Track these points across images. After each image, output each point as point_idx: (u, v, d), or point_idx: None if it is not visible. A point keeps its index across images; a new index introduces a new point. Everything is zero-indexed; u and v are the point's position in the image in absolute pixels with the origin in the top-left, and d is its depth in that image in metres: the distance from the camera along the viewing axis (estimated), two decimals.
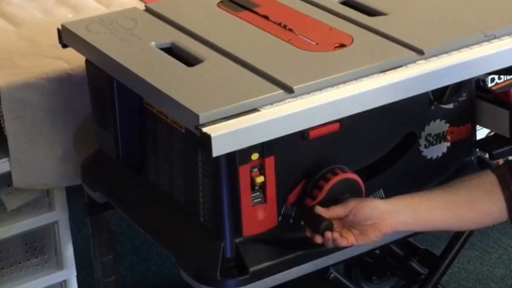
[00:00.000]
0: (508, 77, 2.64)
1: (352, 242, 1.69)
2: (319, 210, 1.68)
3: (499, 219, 1.76)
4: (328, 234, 1.66)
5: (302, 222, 1.74)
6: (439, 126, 1.91)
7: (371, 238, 1.70)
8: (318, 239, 1.67)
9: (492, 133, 2.05)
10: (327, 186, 1.72)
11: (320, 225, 1.68)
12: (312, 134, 1.70)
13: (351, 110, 1.68)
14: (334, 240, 1.67)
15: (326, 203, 1.73)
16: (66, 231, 2.16)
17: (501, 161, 2.57)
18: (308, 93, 1.65)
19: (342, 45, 1.79)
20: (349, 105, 1.67)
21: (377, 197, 1.85)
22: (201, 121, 1.56)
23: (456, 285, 2.58)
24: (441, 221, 1.76)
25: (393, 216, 1.70)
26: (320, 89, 1.66)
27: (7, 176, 2.02)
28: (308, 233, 1.69)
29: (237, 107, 1.59)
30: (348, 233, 1.69)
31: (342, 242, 1.68)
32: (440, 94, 1.88)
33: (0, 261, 2.11)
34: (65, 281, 2.21)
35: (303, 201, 1.75)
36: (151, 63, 1.76)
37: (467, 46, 1.79)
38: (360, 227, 1.69)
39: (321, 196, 1.72)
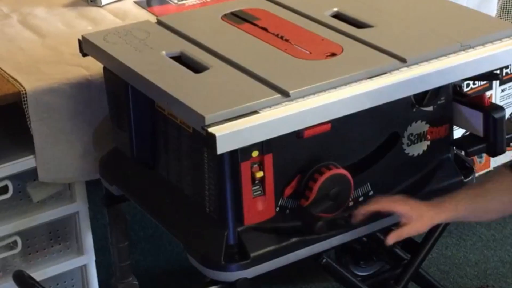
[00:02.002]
0: (482, 82, 2.64)
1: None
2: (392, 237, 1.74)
3: None
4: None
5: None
6: (420, 126, 1.91)
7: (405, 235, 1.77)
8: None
9: (468, 133, 2.05)
10: (316, 186, 1.73)
11: (315, 225, 1.69)
12: (306, 133, 1.70)
13: (341, 112, 1.68)
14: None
15: (319, 201, 1.73)
16: (85, 220, 2.16)
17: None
18: (303, 97, 1.65)
19: (333, 54, 1.79)
20: (340, 107, 1.67)
21: (364, 190, 1.85)
22: (207, 122, 1.56)
23: (435, 269, 2.58)
24: (471, 221, 1.83)
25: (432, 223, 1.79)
26: (314, 93, 1.66)
27: (33, 171, 2.02)
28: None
29: (239, 109, 1.59)
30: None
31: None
32: (421, 98, 1.88)
33: (27, 247, 2.11)
34: (85, 265, 2.21)
35: (298, 194, 1.75)
36: (162, 70, 1.76)
37: (445, 55, 1.79)
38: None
39: (312, 195, 1.73)
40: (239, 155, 1.65)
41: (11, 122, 2.05)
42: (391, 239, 1.75)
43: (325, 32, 1.91)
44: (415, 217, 1.75)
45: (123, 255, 2.26)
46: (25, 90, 1.94)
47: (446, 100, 1.93)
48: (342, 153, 1.80)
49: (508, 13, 2.59)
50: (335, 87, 1.68)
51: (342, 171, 1.76)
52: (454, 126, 2.00)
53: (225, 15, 2.01)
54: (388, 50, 1.79)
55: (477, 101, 1.94)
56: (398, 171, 1.90)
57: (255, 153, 1.66)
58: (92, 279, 2.23)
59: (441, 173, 1.94)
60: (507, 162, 1.82)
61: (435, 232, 2.01)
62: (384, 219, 1.86)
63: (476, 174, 2.08)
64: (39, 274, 2.07)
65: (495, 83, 2.73)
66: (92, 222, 2.19)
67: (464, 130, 2.11)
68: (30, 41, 2.19)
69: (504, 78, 2.75)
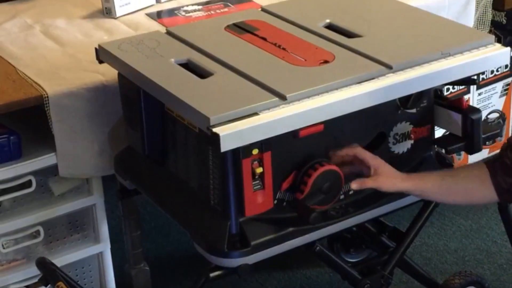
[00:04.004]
0: (461, 87, 2.64)
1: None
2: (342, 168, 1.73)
3: (492, 201, 1.79)
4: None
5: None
6: (404, 127, 1.91)
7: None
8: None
9: (447, 133, 2.05)
10: (310, 181, 1.72)
11: (310, 216, 1.68)
12: (302, 133, 1.70)
13: (333, 114, 1.68)
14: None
15: (313, 194, 1.73)
16: (102, 212, 2.16)
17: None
18: (299, 100, 1.64)
19: (326, 61, 1.79)
20: (332, 110, 1.67)
21: None
22: (211, 123, 1.56)
23: (418, 256, 2.58)
24: (439, 201, 1.85)
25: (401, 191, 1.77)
26: (308, 97, 1.66)
27: (54, 167, 2.02)
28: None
29: (241, 111, 1.59)
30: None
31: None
32: (405, 101, 1.88)
33: (48, 236, 2.11)
34: (101, 252, 2.21)
35: (294, 188, 1.75)
36: (171, 76, 1.76)
37: (427, 62, 1.79)
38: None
39: (307, 189, 1.72)
40: (241, 153, 1.65)
41: (34, 123, 2.05)
42: (355, 184, 1.74)
43: (318, 41, 1.90)
44: (383, 174, 1.74)
45: (136, 243, 2.27)
46: (47, 94, 1.94)
47: (428, 103, 1.93)
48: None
49: (484, 24, 2.59)
50: (327, 91, 1.68)
51: (334, 167, 1.76)
52: (436, 127, 2.00)
53: (228, 26, 2.01)
54: (375, 57, 1.79)
55: (456, 104, 1.94)
56: None
57: (255, 151, 1.66)
58: (107, 265, 2.23)
59: (423, 169, 1.94)
60: (488, 158, 1.81)
61: (418, 223, 2.01)
62: (372, 210, 1.87)
63: None
64: (59, 260, 2.07)
65: (473, 88, 2.73)
66: (108, 213, 2.19)
67: (444, 130, 2.11)
68: (52, 50, 2.19)
69: (481, 83, 2.75)
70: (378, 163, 1.76)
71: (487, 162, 1.79)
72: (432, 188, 1.77)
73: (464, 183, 1.77)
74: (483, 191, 1.75)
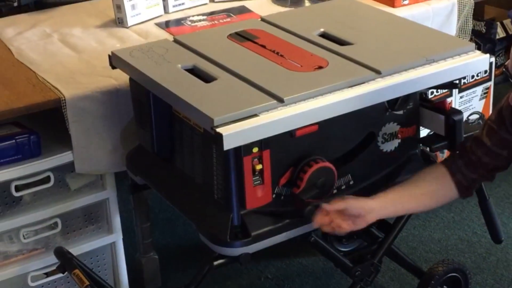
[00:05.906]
0: (444, 90, 2.64)
1: (346, 229, 1.70)
2: (325, 206, 1.68)
3: (454, 198, 1.78)
4: (329, 225, 1.68)
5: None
6: (392, 127, 1.91)
7: (359, 227, 1.71)
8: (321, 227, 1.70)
9: (432, 133, 2.06)
10: (306, 177, 1.73)
11: (305, 209, 1.69)
12: (298, 133, 1.70)
13: (327, 115, 1.69)
14: (334, 227, 1.69)
15: (308, 189, 1.73)
16: (114, 205, 2.16)
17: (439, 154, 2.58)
18: (295, 102, 1.65)
19: (320, 67, 1.79)
20: (325, 111, 1.67)
21: (346, 180, 1.85)
22: (215, 124, 1.56)
23: (405, 245, 2.58)
24: (412, 209, 1.80)
25: (378, 212, 1.72)
26: (304, 99, 1.66)
27: (71, 164, 2.02)
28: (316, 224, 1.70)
29: (242, 113, 1.59)
30: (344, 223, 1.69)
31: (341, 231, 1.70)
32: (393, 103, 1.88)
33: (66, 227, 2.11)
34: (114, 242, 2.21)
35: (290, 184, 1.75)
36: (178, 80, 1.77)
37: (413, 67, 1.80)
38: (352, 218, 1.69)
39: (303, 184, 1.72)
40: (242, 151, 1.65)
41: (52, 124, 2.06)
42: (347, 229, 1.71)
43: (313, 48, 1.91)
44: (364, 213, 1.71)
45: (146, 234, 2.27)
46: (64, 97, 1.95)
47: (414, 105, 1.93)
48: (327, 149, 1.80)
49: (465, 33, 2.59)
50: (322, 95, 1.68)
51: (328, 164, 1.76)
52: (421, 127, 2.00)
53: (230, 34, 2.01)
54: (365, 63, 1.79)
55: (440, 106, 1.95)
56: (374, 164, 1.90)
57: (255, 149, 1.66)
58: (119, 254, 2.23)
59: (410, 166, 1.94)
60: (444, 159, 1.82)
61: (405, 215, 2.01)
62: None
63: None
64: (75, 249, 2.07)
65: (455, 91, 2.73)
66: (120, 206, 2.19)
67: (429, 130, 2.11)
68: (68, 56, 2.19)
69: (462, 87, 2.75)
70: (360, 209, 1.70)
71: (444, 162, 1.79)
72: (395, 200, 1.74)
73: (425, 186, 1.76)
74: (445, 190, 1.76)
